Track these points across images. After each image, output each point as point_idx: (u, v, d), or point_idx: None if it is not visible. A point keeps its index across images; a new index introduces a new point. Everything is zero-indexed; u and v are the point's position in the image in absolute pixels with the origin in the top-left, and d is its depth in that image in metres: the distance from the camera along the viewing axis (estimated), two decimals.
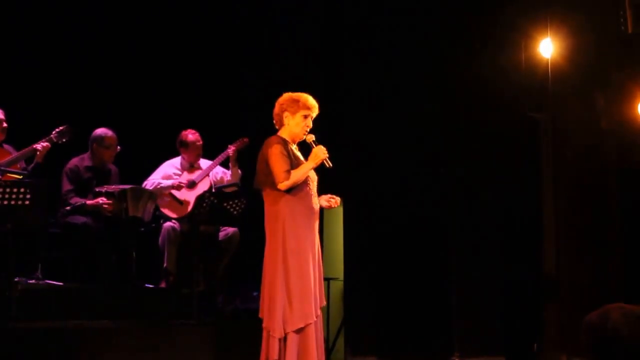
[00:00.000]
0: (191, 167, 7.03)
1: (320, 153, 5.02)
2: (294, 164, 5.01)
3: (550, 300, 7.07)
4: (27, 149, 6.24)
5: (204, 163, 7.04)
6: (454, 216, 7.35)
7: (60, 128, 6.34)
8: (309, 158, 5.06)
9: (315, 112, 5.11)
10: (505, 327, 7.15)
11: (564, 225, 7.14)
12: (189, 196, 6.85)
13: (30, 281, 6.13)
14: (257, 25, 8.07)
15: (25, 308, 5.72)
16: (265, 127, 7.65)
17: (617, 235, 7.06)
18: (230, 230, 6.82)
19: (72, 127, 6.37)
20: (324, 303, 5.13)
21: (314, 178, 5.12)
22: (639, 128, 6.90)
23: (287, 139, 5.09)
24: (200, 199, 6.51)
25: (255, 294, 7.24)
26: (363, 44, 7.58)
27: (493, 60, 6.98)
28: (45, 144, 6.21)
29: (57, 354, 5.43)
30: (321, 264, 5.12)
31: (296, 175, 4.97)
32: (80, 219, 6.48)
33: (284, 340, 4.91)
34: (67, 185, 6.66)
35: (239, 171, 6.93)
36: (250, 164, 7.31)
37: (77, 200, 6.58)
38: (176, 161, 7.07)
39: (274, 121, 5.17)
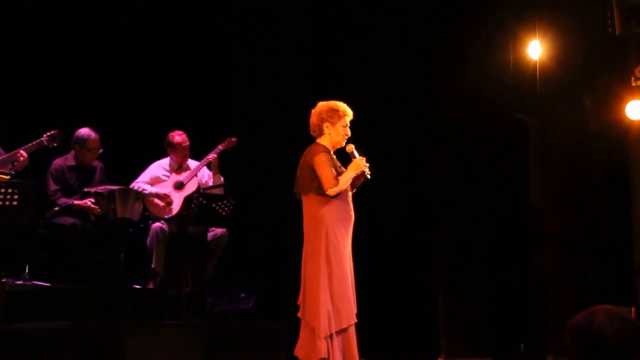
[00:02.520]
0: (179, 167, 7.01)
1: (361, 164, 5.21)
2: (337, 171, 5.20)
3: (538, 301, 7.09)
4: (13, 152, 6.21)
5: (193, 163, 7.03)
6: (442, 217, 7.36)
7: (52, 132, 6.31)
8: (350, 167, 5.24)
9: (351, 118, 5.28)
10: (492, 328, 7.17)
11: (552, 226, 7.16)
12: (177, 197, 6.84)
13: (18, 282, 6.10)
14: (245, 25, 8.06)
15: (12, 309, 5.69)
16: (254, 127, 7.72)
17: (604, 236, 7.09)
18: (219, 231, 6.81)
19: (63, 132, 6.34)
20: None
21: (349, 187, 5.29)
22: (626, 129, 6.93)
23: (328, 147, 5.26)
24: (188, 199, 6.50)
25: (243, 295, 7.26)
26: (351, 46, 7.59)
27: (481, 62, 7.00)
28: (23, 158, 6.13)
29: (44, 355, 5.40)
30: (352, 268, 5.25)
31: (342, 182, 5.16)
32: (69, 220, 6.46)
33: (330, 339, 5.05)
34: (52, 186, 6.63)
35: (221, 178, 6.92)
36: (239, 167, 7.37)
37: (64, 201, 6.56)
38: (165, 162, 7.05)
39: (311, 130, 5.31)
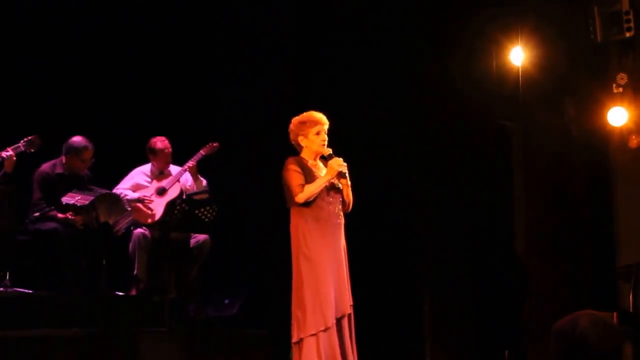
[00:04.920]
0: (161, 174, 6.98)
1: (334, 165, 5.22)
2: (308, 178, 5.24)
3: (521, 306, 7.11)
4: None
5: (174, 169, 7.00)
6: (426, 223, 7.37)
7: (29, 137, 6.25)
8: (326, 171, 5.25)
9: (324, 124, 5.33)
10: (476, 334, 7.19)
11: (535, 232, 7.19)
12: (160, 203, 6.81)
13: None
14: (228, 29, 8.05)
15: None
16: (236, 132, 7.70)
17: (587, 242, 7.13)
18: (202, 237, 6.78)
19: (40, 137, 6.28)
20: (348, 310, 5.23)
21: (334, 192, 5.28)
22: (608, 136, 6.97)
23: (307, 158, 5.32)
24: (171, 205, 6.47)
25: (226, 301, 7.23)
26: (333, 51, 7.60)
27: (464, 68, 7.02)
28: (10, 153, 6.11)
29: None
30: (347, 272, 5.27)
31: (311, 188, 5.20)
32: (50, 225, 6.40)
33: (299, 344, 5.10)
34: (37, 193, 6.55)
35: (203, 182, 6.90)
36: (222, 172, 7.35)
37: (48, 210, 6.49)
38: (146, 168, 7.01)
39: (294, 146, 5.38)
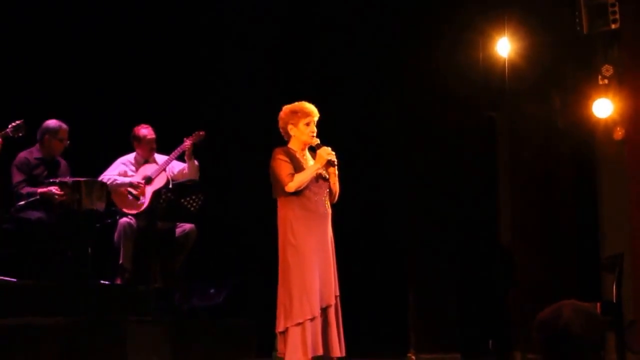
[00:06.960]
0: (146, 162, 6.96)
1: (323, 154, 5.24)
2: (297, 169, 5.25)
3: (506, 297, 7.15)
4: None
5: (160, 158, 6.98)
6: (411, 214, 7.38)
7: (16, 122, 6.25)
8: (315, 160, 5.25)
9: (315, 116, 5.34)
10: (461, 323, 7.22)
11: (520, 223, 7.22)
12: (146, 192, 6.79)
13: None
14: (212, 17, 8.02)
15: None
16: (223, 120, 7.68)
17: (572, 233, 7.16)
18: (187, 226, 6.77)
19: (26, 122, 6.27)
20: (332, 301, 5.23)
21: (321, 183, 5.30)
22: (593, 127, 7.00)
23: (295, 148, 5.33)
24: (157, 194, 6.46)
25: (212, 291, 7.23)
26: (319, 42, 7.59)
27: (450, 59, 7.03)
28: None
29: (10, 351, 5.35)
30: (334, 262, 5.29)
31: (301, 177, 5.21)
32: (35, 214, 6.38)
33: (285, 334, 5.12)
34: (17, 177, 6.55)
35: (196, 163, 6.88)
36: (208, 161, 7.34)
37: (29, 190, 6.48)
38: (130, 157, 6.99)
39: (282, 134, 5.37)
